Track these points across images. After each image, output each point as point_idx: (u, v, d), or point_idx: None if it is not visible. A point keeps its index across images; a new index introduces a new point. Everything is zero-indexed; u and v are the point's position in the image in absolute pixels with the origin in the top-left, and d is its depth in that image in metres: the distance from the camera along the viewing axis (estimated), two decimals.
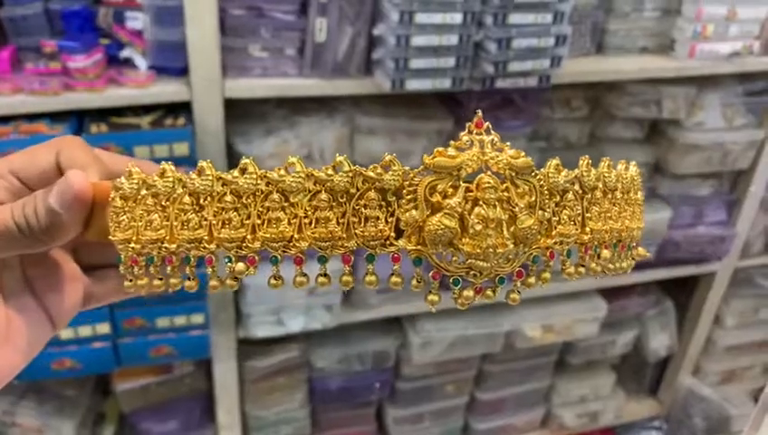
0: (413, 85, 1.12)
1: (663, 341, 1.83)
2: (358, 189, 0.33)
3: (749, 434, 0.64)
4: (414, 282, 0.34)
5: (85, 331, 1.22)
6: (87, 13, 1.09)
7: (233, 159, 1.17)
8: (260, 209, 0.33)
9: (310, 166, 0.33)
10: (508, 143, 0.34)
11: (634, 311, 1.77)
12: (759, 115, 1.53)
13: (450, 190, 0.33)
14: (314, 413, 1.60)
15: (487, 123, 0.34)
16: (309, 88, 1.16)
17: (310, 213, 0.33)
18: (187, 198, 0.34)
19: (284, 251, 0.33)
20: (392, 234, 0.33)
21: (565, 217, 0.35)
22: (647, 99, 1.42)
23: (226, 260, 0.34)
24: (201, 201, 0.34)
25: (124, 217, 0.35)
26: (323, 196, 0.33)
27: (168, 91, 1.11)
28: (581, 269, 0.37)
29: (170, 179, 0.34)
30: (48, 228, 0.35)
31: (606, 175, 0.37)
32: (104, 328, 1.22)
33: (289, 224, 0.33)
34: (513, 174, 0.33)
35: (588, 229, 0.36)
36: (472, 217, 0.32)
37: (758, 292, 1.85)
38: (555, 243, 0.35)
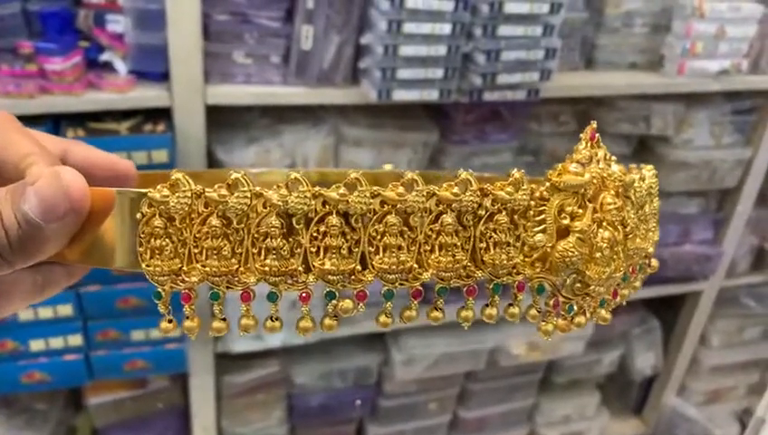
0: (400, 96, 1.10)
1: (648, 360, 1.81)
2: (487, 210, 0.29)
3: None
4: (533, 313, 0.31)
5: (56, 342, 1.18)
6: (66, 14, 1.06)
7: (214, 168, 1.14)
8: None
9: None
10: (614, 157, 0.33)
11: (619, 329, 1.75)
12: (746, 134, 1.53)
13: (579, 212, 0.30)
14: (293, 430, 1.56)
15: (598, 135, 0.32)
16: (293, 96, 1.13)
17: (392, 236, 0.28)
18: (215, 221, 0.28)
19: (352, 285, 0.29)
20: (519, 261, 0.30)
21: (643, 229, 0.34)
22: (635, 115, 1.41)
23: (270, 298, 0.30)
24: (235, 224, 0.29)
25: (167, 241, 0.28)
26: (392, 219, 0.28)
27: (149, 96, 1.08)
28: (638, 284, 0.36)
29: (187, 195, 0.28)
30: (21, 246, 0.26)
31: (638, 188, 0.35)
32: (76, 340, 1.18)
33: (350, 253, 0.28)
34: (623, 191, 0.32)
35: (650, 242, 0.35)
36: (598, 240, 0.30)
37: (743, 311, 1.84)
38: (627, 256, 0.33)
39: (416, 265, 0.28)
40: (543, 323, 0.31)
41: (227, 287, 0.28)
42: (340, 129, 1.23)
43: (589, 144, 0.32)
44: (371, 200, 0.27)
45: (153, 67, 1.08)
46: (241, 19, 1.08)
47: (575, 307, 0.32)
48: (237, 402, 1.44)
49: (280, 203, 0.27)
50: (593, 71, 1.35)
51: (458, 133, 1.26)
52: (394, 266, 0.28)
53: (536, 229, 0.30)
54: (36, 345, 1.16)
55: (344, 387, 1.50)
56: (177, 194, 0.27)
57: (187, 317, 0.29)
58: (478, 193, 0.29)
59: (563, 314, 0.32)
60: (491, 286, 0.30)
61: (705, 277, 1.67)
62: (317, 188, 0.27)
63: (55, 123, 1.08)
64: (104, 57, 1.09)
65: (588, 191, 0.30)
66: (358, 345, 1.48)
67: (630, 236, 0.32)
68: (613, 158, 0.33)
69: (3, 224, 0.26)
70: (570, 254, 0.30)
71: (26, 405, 1.37)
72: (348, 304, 0.29)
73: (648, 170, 0.36)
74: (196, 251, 0.28)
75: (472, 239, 0.29)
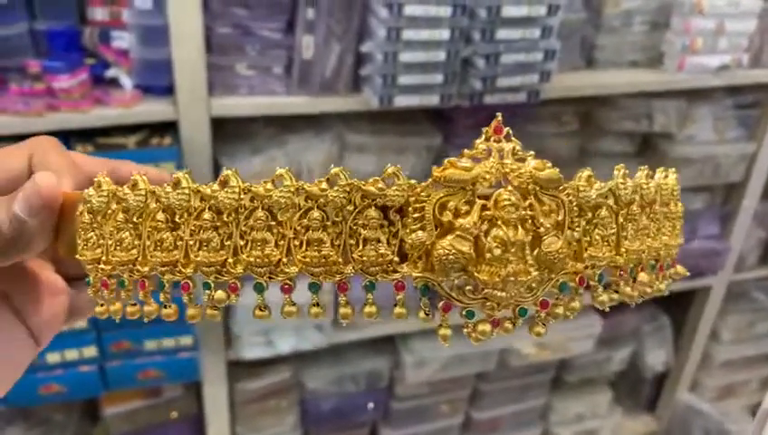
0: (401, 102, 1.11)
1: (659, 356, 1.81)
2: (356, 206, 0.28)
3: None
4: (421, 314, 0.29)
5: (72, 354, 1.20)
6: (72, 32, 1.09)
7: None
8: (243, 229, 0.29)
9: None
10: (532, 152, 0.30)
11: (630, 327, 1.75)
12: (750, 128, 1.53)
13: (464, 208, 0.28)
14: None
15: (508, 129, 0.30)
16: (296, 106, 1.15)
17: (300, 233, 0.28)
18: (160, 215, 0.30)
19: (271, 277, 0.29)
20: (395, 258, 0.28)
21: (597, 236, 0.30)
22: (637, 113, 1.42)
23: (205, 287, 0.30)
24: (177, 218, 0.30)
25: (92, 233, 0.31)
26: (316, 214, 0.28)
27: (155, 110, 1.10)
28: (615, 295, 0.32)
29: (142, 193, 0.30)
30: (14, 239, 0.31)
31: (644, 186, 0.33)
32: (91, 351, 1.20)
33: (276, 246, 0.29)
34: (538, 188, 0.29)
35: (623, 250, 0.32)
36: (489, 239, 0.28)
37: (753, 306, 1.84)
38: (586, 267, 0.30)
39: (284, 260, 0.29)
40: (440, 328, 0.30)
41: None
42: (344, 136, 1.25)
43: (490, 137, 0.30)
44: (242, 196, 0.29)
45: (158, 81, 1.10)
46: (242, 31, 1.10)
47: (477, 314, 0.29)
48: (251, 409, 1.45)
49: (164, 201, 0.29)
50: (594, 70, 1.36)
51: (460, 136, 1.27)
52: (260, 260, 0.29)
53: (415, 226, 0.28)
54: (52, 358, 1.19)
55: (356, 391, 1.51)
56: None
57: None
58: (347, 189, 0.28)
59: (467, 322, 0.30)
60: (363, 284, 0.29)
61: (713, 272, 1.66)
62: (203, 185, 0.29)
63: (65, 140, 1.11)
64: (110, 73, 1.11)
65: (477, 187, 0.28)
66: (368, 349, 1.49)
67: (550, 237, 0.28)
68: (530, 153, 0.30)
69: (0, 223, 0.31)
70: (446, 252, 0.27)
71: (44, 417, 1.39)
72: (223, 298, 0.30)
73: (645, 170, 0.35)
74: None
75: (342, 235, 0.28)
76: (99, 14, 1.08)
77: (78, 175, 0.35)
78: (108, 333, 1.20)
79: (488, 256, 0.28)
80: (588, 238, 0.30)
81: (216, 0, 1.06)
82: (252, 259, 0.29)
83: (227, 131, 1.19)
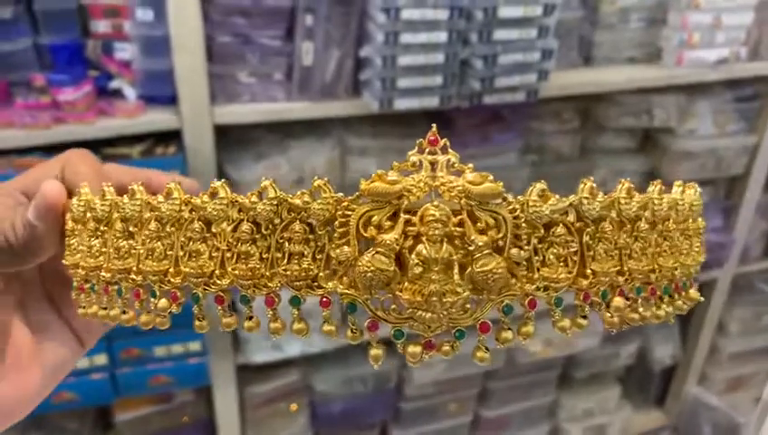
0: (401, 104, 1.12)
1: (667, 350, 1.82)
2: (282, 220, 0.28)
3: None
4: (348, 333, 0.28)
5: (83, 362, 1.21)
6: (75, 45, 1.10)
7: None
8: (183, 240, 0.29)
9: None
10: (470, 165, 0.28)
11: None
12: (750, 120, 1.53)
13: (387, 223, 0.27)
14: None
15: (444, 140, 0.28)
16: (298, 111, 1.16)
17: (233, 246, 0.28)
18: (119, 225, 0.31)
19: (206, 288, 0.29)
20: (321, 273, 0.28)
21: (552, 256, 0.28)
22: (637, 108, 1.42)
23: (151, 295, 0.31)
24: (131, 228, 0.31)
25: (74, 240, 0.33)
26: (245, 226, 0.28)
27: (158, 120, 1.12)
28: (582, 321, 0.29)
29: (107, 203, 0.31)
30: (27, 243, 0.34)
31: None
32: (101, 359, 1.22)
33: (210, 258, 0.29)
34: (473, 203, 0.27)
35: (589, 271, 0.29)
36: (412, 256, 0.27)
37: (760, 298, 1.84)
38: (538, 289, 0.28)
39: (218, 271, 0.29)
40: (370, 347, 0.29)
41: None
42: (346, 140, 1.26)
43: (424, 149, 0.28)
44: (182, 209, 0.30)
45: (161, 91, 1.11)
46: (243, 40, 1.11)
47: (403, 333, 0.28)
48: (261, 413, 1.46)
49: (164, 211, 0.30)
50: (592, 68, 1.37)
51: (461, 137, 1.28)
52: (195, 271, 0.29)
53: (341, 241, 0.27)
54: None
55: (364, 392, 1.52)
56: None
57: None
58: (274, 202, 0.28)
59: (396, 342, 0.29)
60: (289, 299, 0.29)
61: (718, 265, 1.67)
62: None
63: None
64: (114, 84, 1.13)
65: (403, 201, 0.27)
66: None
67: (483, 256, 0.27)
68: (469, 166, 0.28)
69: (15, 228, 0.34)
70: (365, 269, 0.27)
71: (57, 425, 1.40)
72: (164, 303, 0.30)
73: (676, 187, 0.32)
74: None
75: (270, 249, 0.28)
76: (101, 26, 1.10)
77: (102, 180, 0.36)
78: (118, 341, 1.22)
79: (410, 273, 0.27)
80: (539, 257, 0.28)
81: (216, 10, 1.07)
82: (188, 270, 0.29)
83: (231, 139, 1.20)
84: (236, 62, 1.12)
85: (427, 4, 1.06)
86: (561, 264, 0.28)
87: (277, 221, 0.28)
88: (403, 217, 0.27)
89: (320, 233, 0.28)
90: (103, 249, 0.32)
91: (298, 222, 0.28)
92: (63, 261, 0.34)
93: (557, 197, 0.28)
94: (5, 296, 0.37)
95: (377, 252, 0.27)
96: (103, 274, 0.32)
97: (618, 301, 0.29)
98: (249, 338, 1.31)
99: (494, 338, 0.29)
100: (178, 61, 1.06)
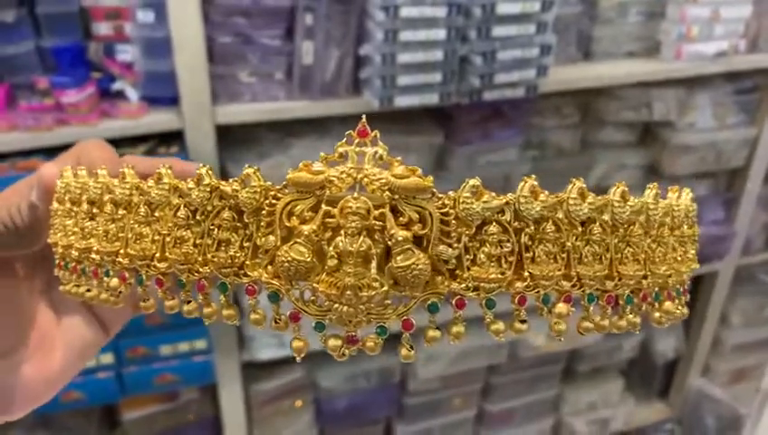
0: (401, 102, 1.13)
1: (670, 343, 1.82)
2: (214, 207, 0.28)
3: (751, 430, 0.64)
4: (272, 323, 0.28)
5: (89, 362, 1.22)
6: (78, 48, 1.11)
7: None
8: (132, 223, 0.30)
9: None
10: (399, 158, 0.28)
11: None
12: (750, 113, 1.54)
13: (309, 214, 0.27)
14: (323, 434, 1.59)
15: (375, 132, 0.28)
16: (299, 110, 1.17)
17: (173, 230, 0.29)
18: (85, 206, 0.32)
19: (147, 271, 0.30)
20: (247, 261, 0.28)
21: (483, 255, 0.27)
22: (637, 102, 1.43)
23: (104, 274, 0.32)
24: (94, 209, 0.32)
25: (57, 220, 0.34)
26: (182, 212, 0.29)
27: (161, 120, 1.13)
28: (520, 326, 0.28)
29: (80, 185, 0.33)
30: (31, 224, 0.34)
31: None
32: (108, 358, 1.23)
33: (152, 242, 0.30)
34: (396, 197, 0.27)
35: (526, 274, 0.27)
36: (330, 248, 0.27)
37: (762, 289, 1.85)
38: (467, 288, 0.27)
39: (158, 255, 0.29)
40: (293, 339, 0.29)
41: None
42: (346, 138, 1.26)
43: (356, 141, 0.28)
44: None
45: (163, 92, 1.12)
46: (243, 40, 1.12)
47: (325, 325, 0.28)
48: (267, 410, 1.47)
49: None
50: (591, 62, 1.37)
51: (462, 134, 1.29)
52: (138, 253, 0.30)
53: (267, 230, 0.27)
54: None
55: (369, 388, 1.53)
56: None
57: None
58: (208, 189, 0.28)
59: (317, 335, 0.29)
60: (216, 286, 0.29)
61: (720, 257, 1.67)
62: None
63: None
64: (116, 86, 1.13)
65: (324, 192, 0.27)
66: None
67: (402, 251, 0.26)
68: (397, 159, 0.27)
69: (20, 210, 0.34)
70: (284, 259, 0.27)
71: (64, 424, 1.42)
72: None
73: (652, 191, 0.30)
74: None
75: (204, 235, 0.28)
76: (103, 28, 1.11)
77: (116, 168, 0.37)
78: (124, 340, 1.23)
79: (327, 266, 0.27)
80: (470, 256, 0.27)
81: (217, 10, 1.08)
82: (133, 252, 0.30)
83: (232, 138, 1.21)
84: (237, 63, 1.13)
85: (426, 1, 1.06)
86: (494, 264, 0.27)
87: (210, 208, 0.28)
88: (324, 208, 0.27)
89: (248, 221, 0.28)
90: (75, 229, 0.32)
91: (227, 209, 0.28)
92: (48, 240, 0.34)
93: (490, 194, 0.27)
94: (32, 282, 0.38)
95: (295, 242, 0.27)
96: (74, 252, 0.32)
97: (561, 307, 0.28)
98: (254, 335, 1.32)
99: (424, 336, 0.28)
100: (180, 61, 1.07)
